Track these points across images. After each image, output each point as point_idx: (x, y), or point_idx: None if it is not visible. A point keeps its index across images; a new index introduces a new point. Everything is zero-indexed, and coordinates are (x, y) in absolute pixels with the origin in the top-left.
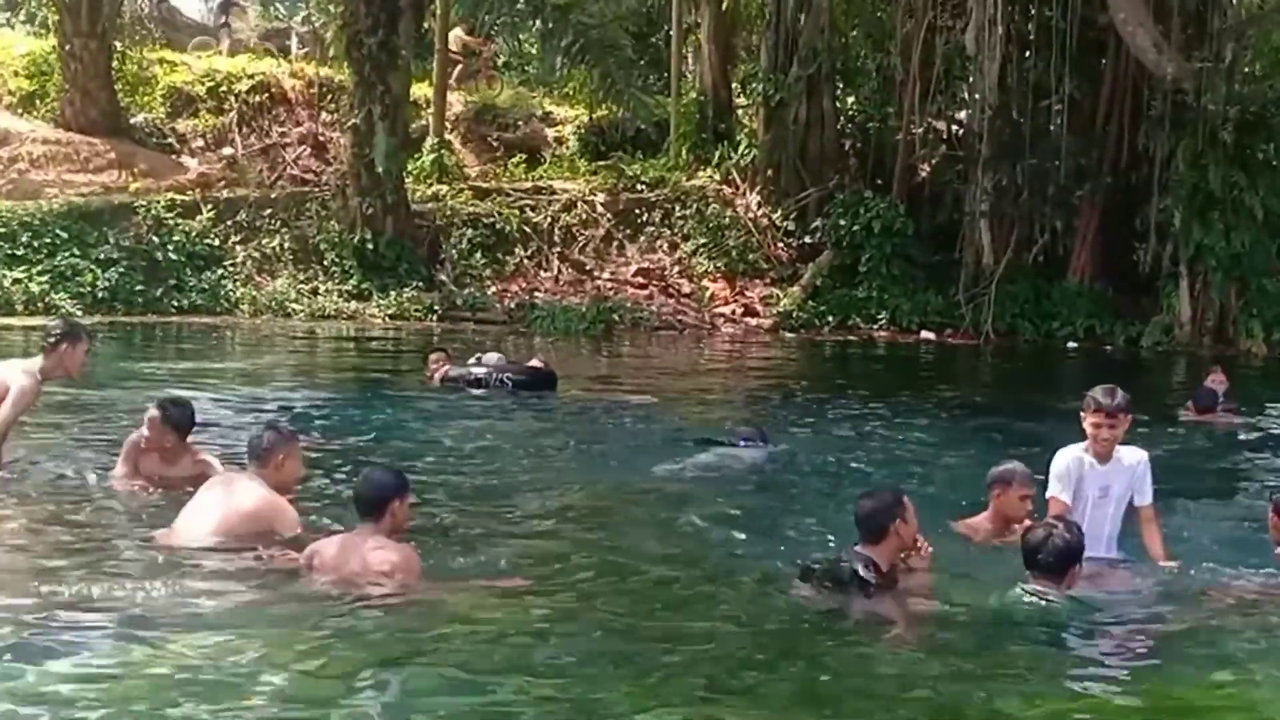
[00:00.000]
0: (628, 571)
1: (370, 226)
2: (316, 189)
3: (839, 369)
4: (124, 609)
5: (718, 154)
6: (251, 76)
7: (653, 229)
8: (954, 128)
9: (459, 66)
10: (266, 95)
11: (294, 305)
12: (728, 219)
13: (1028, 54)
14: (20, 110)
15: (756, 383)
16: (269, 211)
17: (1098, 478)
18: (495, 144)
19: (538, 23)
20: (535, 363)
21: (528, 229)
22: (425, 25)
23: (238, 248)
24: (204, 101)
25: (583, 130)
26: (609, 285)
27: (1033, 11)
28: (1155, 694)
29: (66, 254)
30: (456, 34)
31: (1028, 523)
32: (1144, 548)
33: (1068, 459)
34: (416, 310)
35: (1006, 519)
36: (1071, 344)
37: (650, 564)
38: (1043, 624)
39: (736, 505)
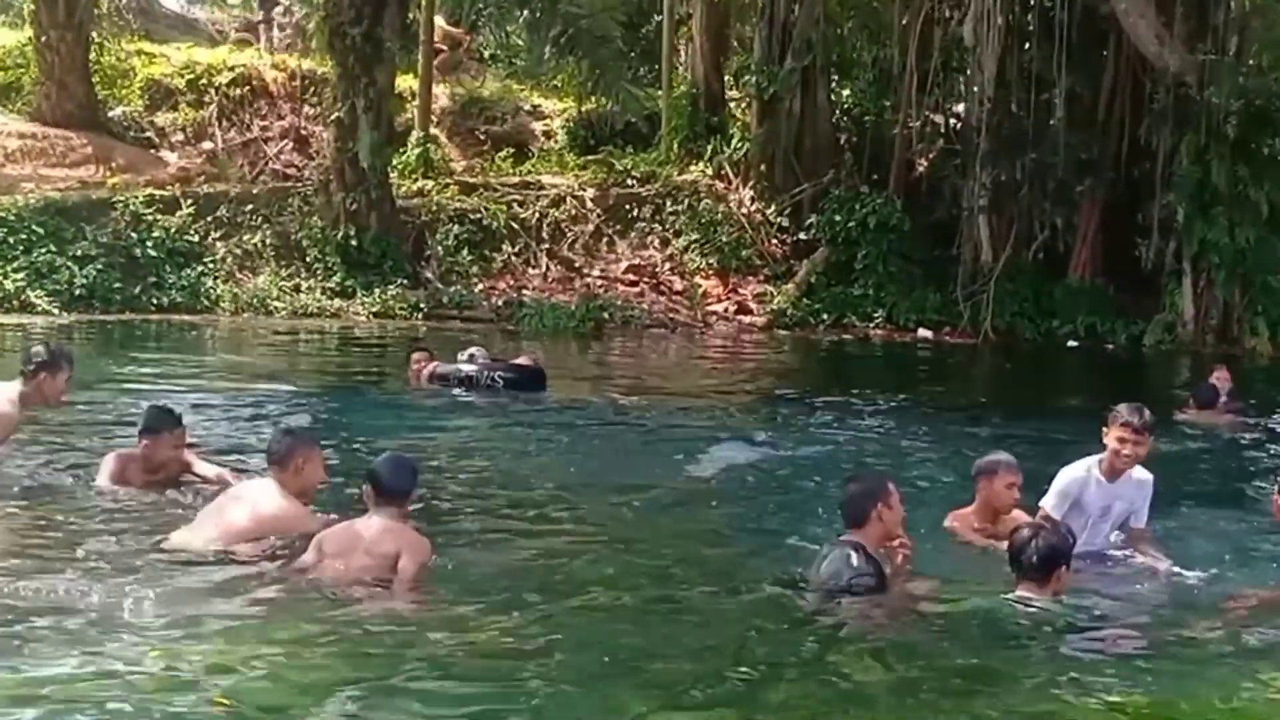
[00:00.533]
0: (623, 573)
1: (354, 222)
2: (299, 184)
3: (834, 368)
4: (105, 612)
5: (710, 148)
6: (232, 69)
7: (643, 225)
8: (952, 121)
9: (442, 57)
10: (247, 88)
11: (276, 303)
12: (720, 215)
13: (1027, 46)
14: None
15: (750, 382)
16: (250, 207)
17: (1103, 495)
18: (482, 138)
19: (525, 12)
20: (523, 359)
21: (515, 225)
22: (410, 16)
23: (218, 244)
24: (183, 94)
25: (572, 123)
26: (599, 282)
27: (1032, 2)
28: (1143, 703)
29: (43, 251)
30: (438, 23)
31: (1018, 513)
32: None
33: (1074, 476)
34: (401, 308)
35: (994, 510)
36: (1072, 343)
37: (646, 565)
38: (1029, 632)
39: (731, 506)
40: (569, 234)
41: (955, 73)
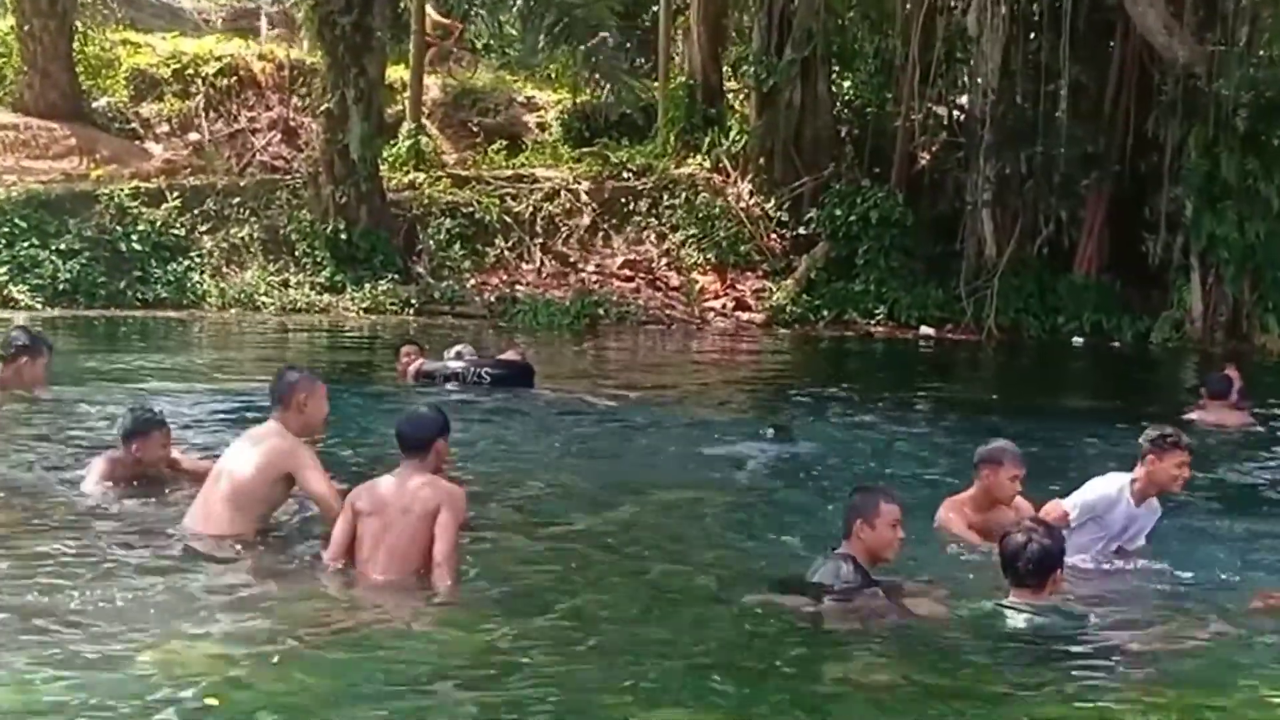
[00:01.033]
0: (616, 574)
1: (344, 216)
2: (287, 177)
3: (834, 366)
4: (96, 612)
5: (708, 140)
6: (219, 59)
7: (639, 219)
8: (955, 113)
9: (433, 49)
10: (235, 79)
11: (264, 298)
12: (718, 209)
13: (1032, 36)
14: None
15: (748, 381)
16: (237, 200)
17: (1127, 517)
18: (474, 130)
19: (518, 1)
20: (510, 355)
21: (508, 219)
22: (401, 5)
23: (205, 238)
24: (169, 85)
25: (566, 115)
26: (593, 278)
27: None
28: (1142, 712)
29: (25, 244)
30: (429, 13)
31: (1021, 501)
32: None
33: (1105, 493)
34: (392, 304)
35: (994, 500)
36: (1077, 340)
37: (640, 566)
38: (1025, 639)
39: (727, 506)
40: (563, 228)
41: (959, 64)
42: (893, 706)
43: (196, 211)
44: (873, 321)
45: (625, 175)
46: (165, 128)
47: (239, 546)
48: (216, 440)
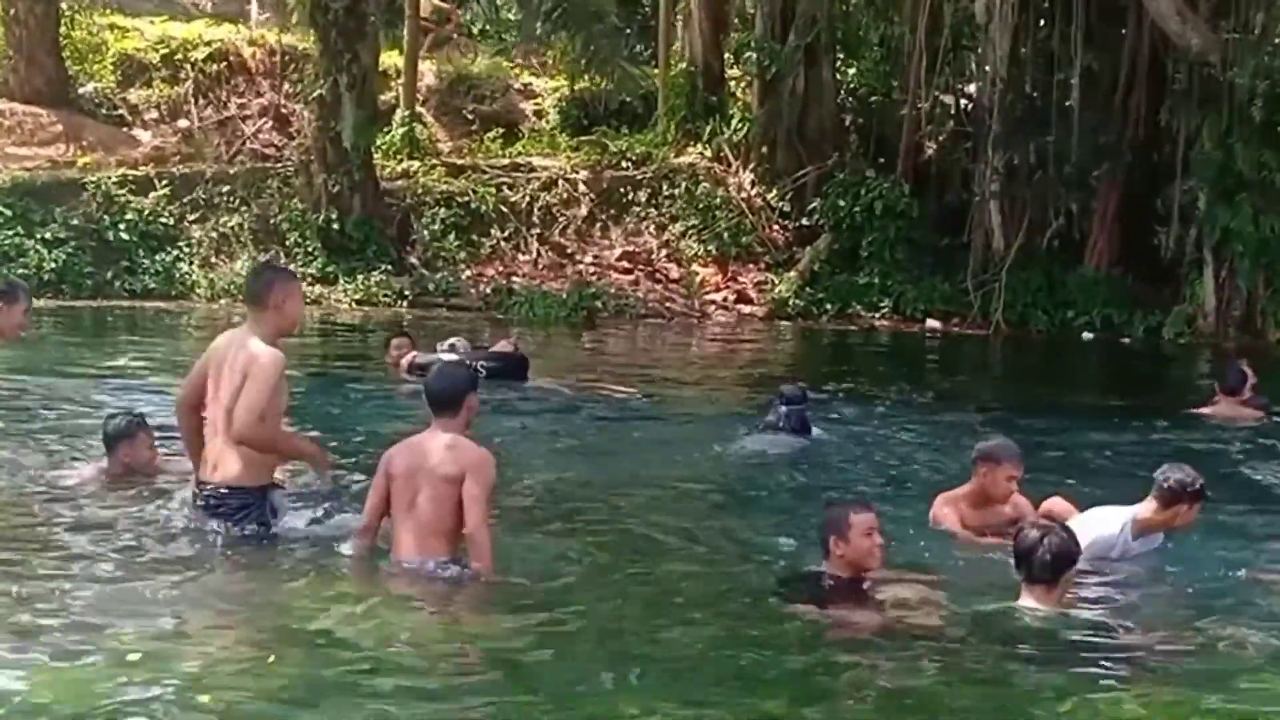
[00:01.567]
0: (614, 573)
1: (336, 205)
2: (278, 165)
3: (838, 360)
4: (87, 611)
5: (709, 129)
6: (209, 44)
7: (638, 209)
8: (963, 102)
9: (428, 34)
10: (225, 64)
11: None
12: (719, 199)
13: (1042, 23)
14: None
15: (749, 375)
16: (227, 189)
17: (1124, 549)
18: (470, 117)
19: None
20: (504, 346)
21: (504, 209)
22: None
23: (194, 227)
24: (158, 70)
25: (564, 103)
26: (591, 270)
27: None
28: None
29: (10, 233)
30: None
31: (1019, 498)
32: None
33: (1105, 536)
34: (385, 295)
35: (988, 497)
36: (1087, 335)
37: (637, 564)
38: (1038, 643)
39: (726, 503)
40: (560, 218)
41: (966, 51)
42: (897, 708)
43: (185, 200)
44: (877, 315)
45: (624, 164)
46: (153, 114)
47: (246, 531)
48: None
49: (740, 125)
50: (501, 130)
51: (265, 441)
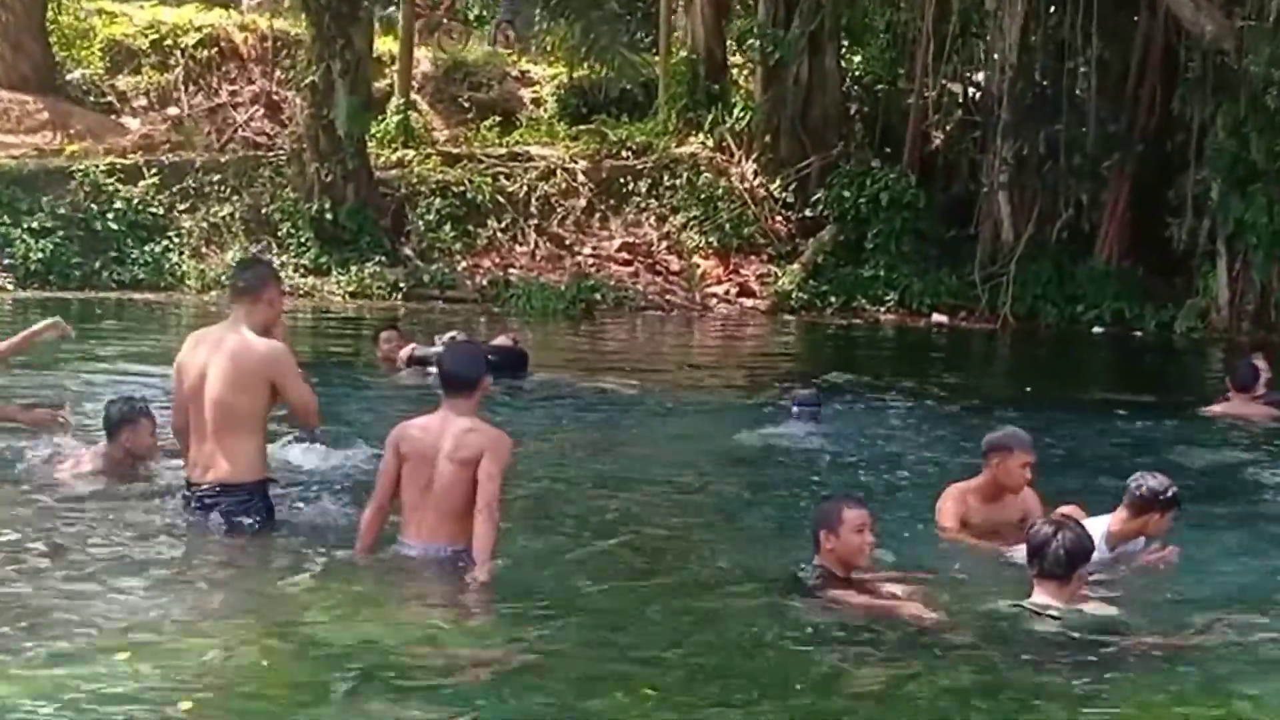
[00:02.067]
0: (612, 571)
1: (329, 195)
2: (270, 153)
3: (842, 355)
4: (77, 610)
5: (710, 118)
6: (199, 29)
7: (639, 200)
8: (971, 91)
9: (423, 20)
10: (215, 50)
11: None
12: (721, 190)
13: (1052, 10)
14: None
15: (751, 369)
16: (218, 178)
17: (1100, 557)
18: (466, 105)
19: None
20: (504, 340)
21: (501, 199)
22: None
23: (184, 217)
24: (147, 56)
25: (562, 91)
26: (590, 261)
27: None
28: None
29: None
30: None
31: (1029, 493)
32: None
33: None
34: (379, 287)
35: (1003, 489)
36: (1097, 329)
37: (635, 563)
38: (1052, 643)
39: (724, 499)
40: (559, 209)
41: (975, 38)
42: (903, 711)
43: (175, 189)
44: (882, 308)
45: (624, 154)
46: (142, 101)
47: (245, 523)
48: None
49: (743, 114)
50: (498, 118)
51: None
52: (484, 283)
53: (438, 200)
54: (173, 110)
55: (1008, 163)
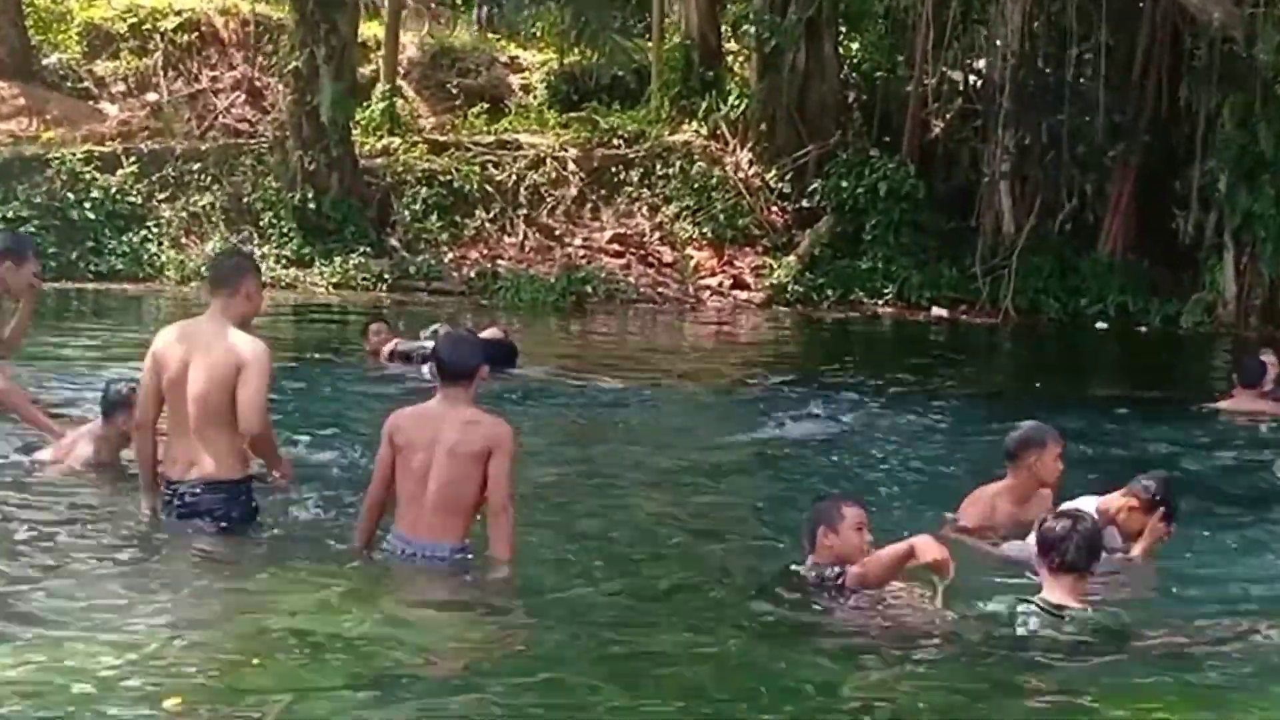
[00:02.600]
0: (606, 569)
1: (312, 184)
2: (252, 141)
3: (839, 349)
4: (61, 603)
5: (705, 106)
6: (179, 13)
7: (630, 190)
8: (972, 79)
9: (409, 4)
10: (196, 35)
11: None
12: (715, 179)
13: None
14: None
15: (745, 363)
16: (198, 166)
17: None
18: (454, 92)
19: None
20: (493, 333)
21: (490, 188)
22: None
23: (163, 206)
24: (125, 41)
25: (552, 77)
26: (581, 253)
27: None
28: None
29: None
30: None
31: (1045, 492)
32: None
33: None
34: (364, 279)
35: (1038, 485)
36: (1101, 324)
37: (631, 561)
38: (1067, 645)
39: (719, 497)
40: (548, 199)
41: (976, 25)
42: (908, 713)
43: (154, 178)
44: (880, 302)
45: (615, 142)
46: (121, 87)
47: (232, 515)
48: None
49: (738, 102)
50: (487, 105)
51: (270, 434)
52: (471, 274)
53: (424, 190)
54: (152, 96)
55: (1009, 152)
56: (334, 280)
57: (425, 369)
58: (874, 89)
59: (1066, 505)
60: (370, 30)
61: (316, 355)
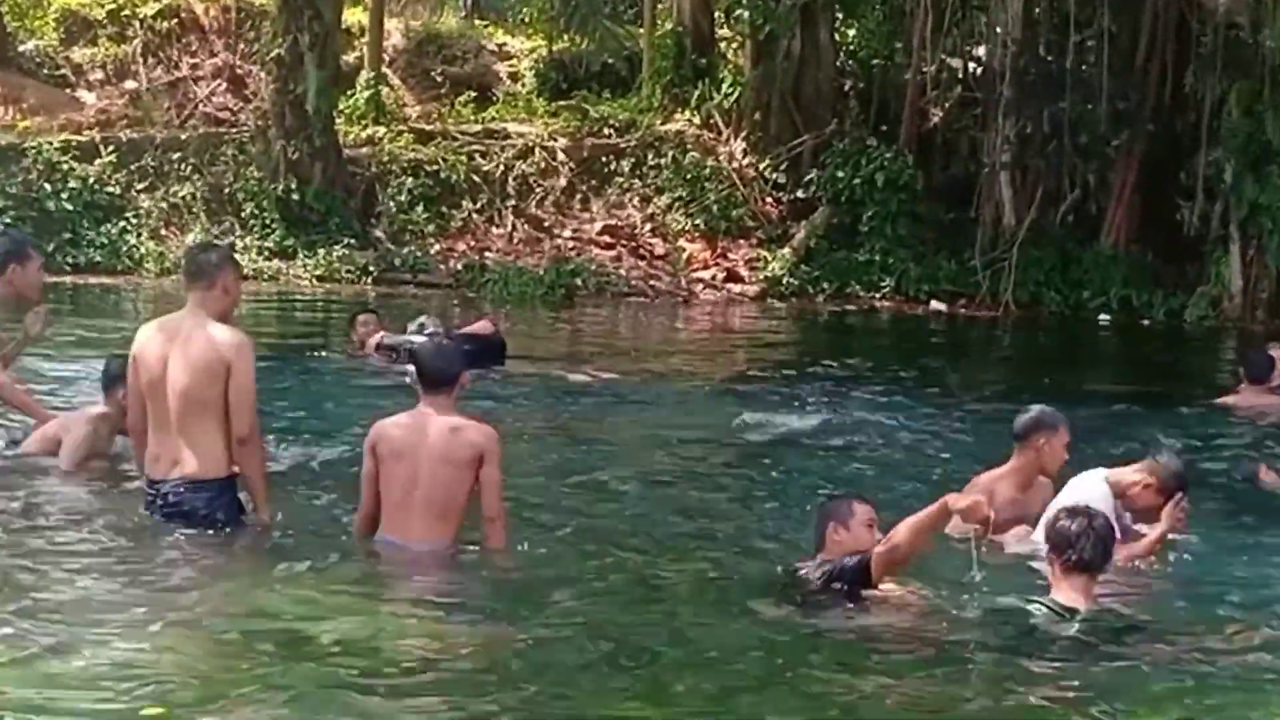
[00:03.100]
0: (601, 568)
1: (295, 174)
2: (233, 130)
3: (835, 343)
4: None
5: (697, 94)
6: None
7: (621, 180)
8: (971, 66)
9: None
10: (175, 21)
11: None
12: (708, 169)
13: None
14: None
15: (739, 358)
16: (178, 155)
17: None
18: (440, 80)
19: None
20: (481, 326)
21: (477, 179)
22: None
23: (142, 197)
24: (103, 27)
25: (541, 65)
26: (570, 245)
27: None
28: None
29: None
30: None
31: (1045, 480)
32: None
33: (1096, 492)
34: (348, 271)
35: (1041, 472)
36: (1104, 317)
37: (626, 559)
38: (1079, 648)
39: (715, 494)
40: (537, 189)
41: (976, 10)
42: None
43: (133, 168)
44: (878, 295)
45: (606, 132)
46: (99, 75)
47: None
48: None
49: (731, 90)
50: (474, 94)
51: (257, 450)
52: (458, 267)
53: (410, 180)
54: (131, 84)
55: (1010, 142)
56: (317, 273)
57: (410, 364)
58: (871, 76)
59: (1075, 479)
60: (354, 16)
61: (299, 350)
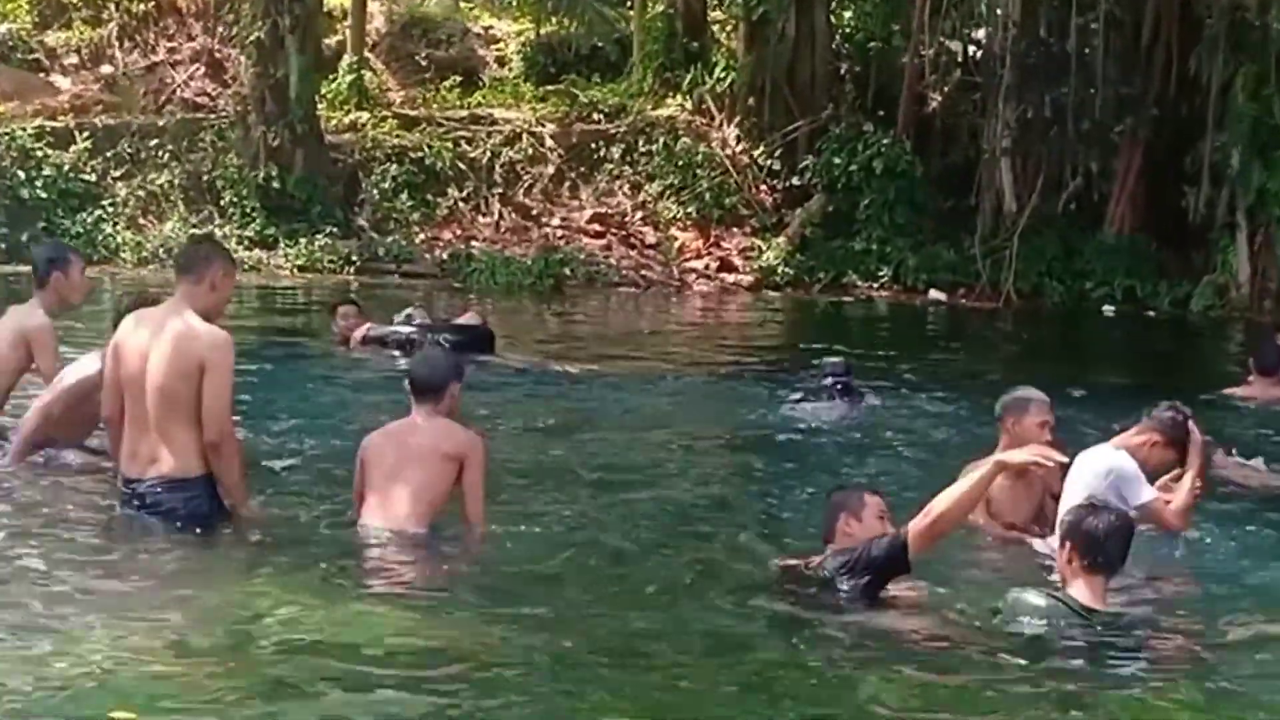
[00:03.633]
0: (595, 566)
1: (276, 161)
2: (212, 116)
3: (832, 335)
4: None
5: (689, 78)
6: None
7: (611, 167)
8: (971, 49)
9: None
10: (152, 4)
11: None
12: (700, 156)
13: None
14: None
15: (732, 350)
16: (156, 142)
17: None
18: (424, 64)
19: None
20: (469, 318)
21: (463, 166)
22: None
23: (119, 185)
24: (78, 10)
25: (529, 48)
26: (559, 233)
27: None
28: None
29: None
30: None
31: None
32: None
33: (1124, 462)
34: (330, 261)
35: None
36: (1107, 307)
37: (621, 558)
38: (1097, 648)
39: (710, 490)
40: (525, 177)
41: None
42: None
43: (109, 155)
44: (875, 285)
45: (595, 117)
46: (73, 59)
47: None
48: None
49: (724, 74)
50: (459, 78)
51: (234, 451)
52: (444, 256)
53: (394, 167)
54: (106, 69)
55: (1010, 127)
56: (299, 262)
57: (397, 353)
58: (868, 60)
59: (1084, 454)
60: None
61: (281, 342)
